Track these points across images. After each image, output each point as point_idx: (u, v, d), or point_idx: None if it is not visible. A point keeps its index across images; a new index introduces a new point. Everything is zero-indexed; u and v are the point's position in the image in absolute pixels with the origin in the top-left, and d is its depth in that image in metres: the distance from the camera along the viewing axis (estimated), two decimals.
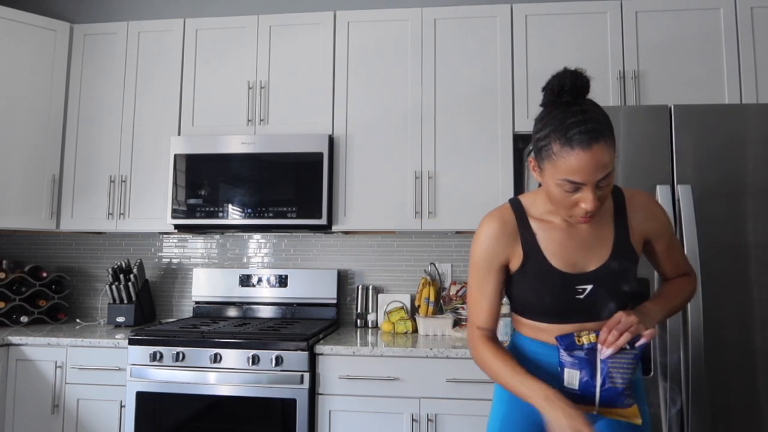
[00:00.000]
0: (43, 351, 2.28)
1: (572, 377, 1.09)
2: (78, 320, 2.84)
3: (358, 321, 2.66)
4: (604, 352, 1.06)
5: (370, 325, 2.64)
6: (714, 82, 2.33)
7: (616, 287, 1.13)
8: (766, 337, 1.72)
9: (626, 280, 1.13)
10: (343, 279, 2.79)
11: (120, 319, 2.61)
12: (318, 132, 2.51)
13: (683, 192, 1.75)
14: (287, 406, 2.05)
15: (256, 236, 2.86)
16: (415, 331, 2.52)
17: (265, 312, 2.72)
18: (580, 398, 1.09)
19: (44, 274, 2.76)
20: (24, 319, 2.65)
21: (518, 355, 1.26)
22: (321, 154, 2.42)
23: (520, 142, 2.50)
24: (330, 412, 2.08)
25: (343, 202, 2.47)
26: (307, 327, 2.35)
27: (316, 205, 2.40)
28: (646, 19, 2.40)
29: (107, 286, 2.64)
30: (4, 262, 2.72)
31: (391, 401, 2.05)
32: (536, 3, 2.50)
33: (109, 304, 2.64)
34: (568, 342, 1.09)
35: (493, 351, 1.18)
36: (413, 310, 2.69)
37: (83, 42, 2.73)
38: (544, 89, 1.08)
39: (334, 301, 2.69)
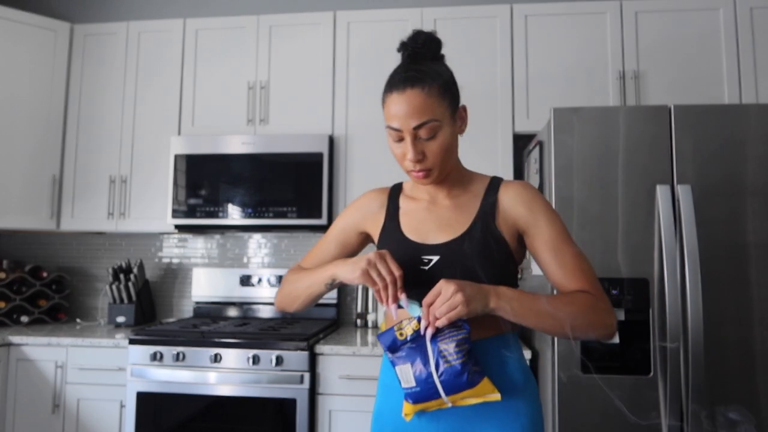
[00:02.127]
0: (44, 351, 2.28)
1: (406, 374, 0.95)
2: (78, 320, 2.85)
3: (358, 321, 2.67)
4: (427, 332, 0.93)
5: (370, 325, 2.64)
6: (714, 82, 2.34)
7: (465, 265, 1.02)
8: (766, 337, 1.72)
9: (482, 262, 1.02)
10: None
11: (120, 319, 2.61)
12: (318, 132, 2.51)
13: (683, 192, 1.75)
14: (287, 406, 2.05)
15: (257, 236, 2.86)
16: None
17: (266, 312, 2.73)
18: (426, 396, 0.95)
19: (45, 274, 2.76)
20: (24, 319, 2.65)
21: (386, 366, 1.15)
22: (321, 155, 2.42)
23: (520, 142, 2.50)
24: (330, 412, 2.08)
25: (343, 202, 2.47)
26: (307, 327, 2.35)
27: (316, 205, 2.40)
28: (646, 19, 2.40)
29: (107, 286, 2.64)
30: (5, 262, 2.72)
31: None
32: (536, 3, 2.50)
33: (109, 304, 2.64)
34: (389, 340, 0.96)
35: (300, 269, 1.20)
36: None
37: (83, 42, 2.73)
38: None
39: (335, 301, 2.69)
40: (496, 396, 0.94)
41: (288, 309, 1.18)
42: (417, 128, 1.00)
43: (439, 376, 0.92)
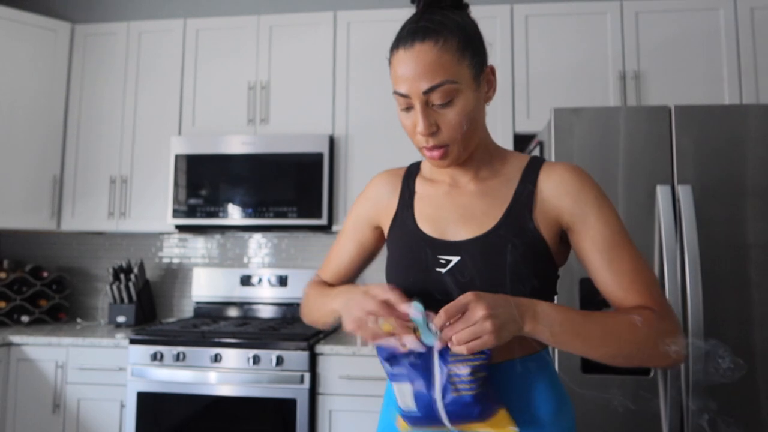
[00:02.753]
0: (44, 351, 2.28)
1: (404, 394, 0.77)
2: (79, 320, 2.85)
3: None
4: (435, 349, 0.74)
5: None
6: (714, 82, 2.34)
7: (493, 271, 0.81)
8: (766, 337, 1.72)
9: (514, 268, 0.81)
10: None
11: (121, 319, 2.61)
12: (318, 132, 2.51)
13: (683, 192, 1.75)
14: (287, 406, 2.05)
15: (257, 236, 2.86)
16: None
17: (266, 312, 2.73)
18: (426, 422, 0.78)
19: (45, 274, 2.76)
20: (25, 318, 2.65)
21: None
22: (321, 155, 2.42)
23: (520, 142, 2.50)
24: (330, 411, 2.08)
25: (343, 202, 2.47)
26: (307, 327, 2.35)
27: (316, 205, 2.40)
28: (646, 19, 2.40)
29: (108, 286, 2.64)
30: (5, 262, 2.72)
31: None
32: (536, 3, 2.50)
33: (109, 303, 2.64)
34: (388, 352, 0.77)
35: (317, 284, 1.03)
36: None
37: (84, 42, 2.74)
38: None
39: None
40: (513, 431, 0.76)
41: (308, 322, 1.04)
42: (428, 92, 0.79)
43: (446, 405, 0.74)
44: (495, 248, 0.83)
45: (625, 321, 0.78)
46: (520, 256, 0.82)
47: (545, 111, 2.39)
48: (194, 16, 2.98)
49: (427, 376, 0.75)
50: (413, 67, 0.79)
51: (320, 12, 2.60)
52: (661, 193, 1.77)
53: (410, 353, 0.75)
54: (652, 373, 1.73)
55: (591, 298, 1.78)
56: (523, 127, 2.40)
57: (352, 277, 1.06)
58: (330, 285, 1.04)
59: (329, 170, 2.45)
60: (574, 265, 1.78)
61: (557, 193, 0.86)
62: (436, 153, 0.83)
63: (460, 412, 0.75)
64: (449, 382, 0.73)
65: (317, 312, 0.97)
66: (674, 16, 2.39)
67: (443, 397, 0.74)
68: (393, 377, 0.79)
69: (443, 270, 0.84)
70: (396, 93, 0.83)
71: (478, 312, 0.70)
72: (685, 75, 2.36)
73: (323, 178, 2.41)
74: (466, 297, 0.72)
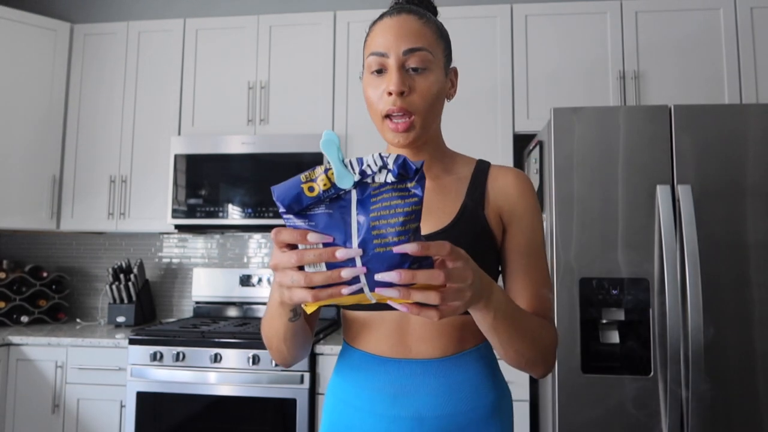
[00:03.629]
0: (44, 351, 2.28)
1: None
2: (78, 320, 2.85)
3: None
4: (353, 196, 0.58)
5: None
6: (714, 82, 2.33)
7: None
8: (766, 337, 1.72)
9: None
10: None
11: (120, 319, 2.61)
12: (318, 132, 2.51)
13: (683, 192, 1.75)
14: (287, 406, 2.05)
15: (257, 236, 2.86)
16: None
17: (264, 312, 2.72)
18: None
19: (44, 274, 2.76)
20: (24, 319, 2.65)
21: (341, 376, 0.91)
22: (321, 155, 2.42)
23: (520, 142, 2.50)
24: None
25: None
26: None
27: None
28: (646, 19, 2.40)
29: (107, 286, 2.64)
30: (5, 262, 2.72)
31: None
32: (536, 3, 2.50)
33: (109, 304, 2.64)
34: (291, 194, 0.57)
35: None
36: None
37: (83, 42, 2.73)
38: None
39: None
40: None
41: (281, 362, 0.88)
42: (408, 53, 0.81)
43: (365, 263, 0.56)
44: (454, 242, 0.75)
45: (541, 324, 0.81)
46: (477, 251, 0.81)
47: (545, 111, 2.39)
48: (194, 16, 2.98)
49: (342, 227, 0.57)
50: (396, 30, 0.82)
51: (320, 12, 2.60)
52: (661, 193, 1.77)
53: (320, 198, 0.57)
54: (651, 373, 1.73)
55: (591, 298, 1.78)
56: (523, 127, 2.40)
57: (314, 317, 0.96)
58: None
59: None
60: (574, 265, 1.78)
61: (503, 194, 0.89)
62: (401, 124, 0.82)
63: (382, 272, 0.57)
64: (370, 233, 0.56)
65: (269, 327, 0.84)
66: (674, 16, 2.39)
67: (363, 253, 0.56)
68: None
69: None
70: (372, 54, 0.83)
71: (467, 276, 0.61)
72: (685, 75, 2.36)
73: None
74: (460, 254, 0.61)
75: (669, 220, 1.75)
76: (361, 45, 2.53)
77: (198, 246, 2.89)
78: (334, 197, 0.58)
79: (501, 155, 2.39)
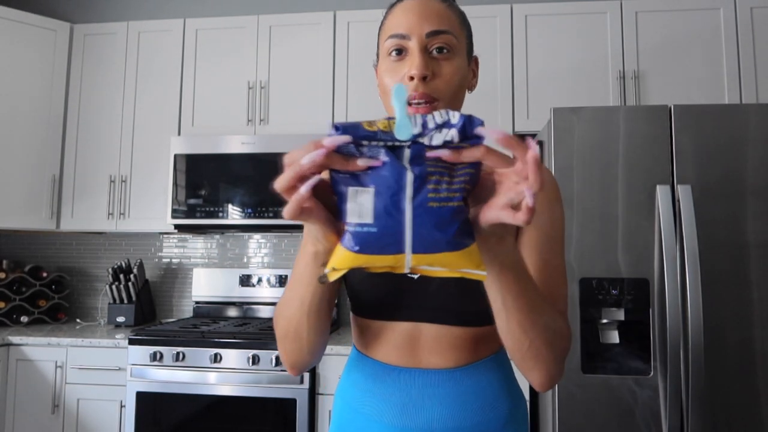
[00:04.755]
0: (44, 351, 2.28)
1: (360, 203, 0.54)
2: (78, 320, 2.85)
3: None
4: (420, 147, 0.53)
5: None
6: (714, 82, 2.33)
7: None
8: (766, 337, 1.72)
9: None
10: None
11: (120, 319, 2.61)
12: (318, 132, 2.51)
13: (683, 192, 1.75)
14: (287, 406, 2.05)
15: (256, 236, 2.86)
16: None
17: (266, 312, 2.72)
18: (380, 245, 0.54)
19: (44, 274, 2.76)
20: (24, 319, 2.65)
21: (351, 382, 0.88)
22: None
23: None
24: (330, 412, 2.08)
25: None
26: None
27: None
28: (646, 19, 2.40)
29: (107, 286, 2.64)
30: (4, 262, 2.72)
31: None
32: (536, 3, 2.50)
33: (109, 304, 2.64)
34: (349, 125, 0.53)
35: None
36: None
37: (83, 42, 2.73)
38: None
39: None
40: (482, 274, 0.55)
41: (296, 357, 0.81)
42: (432, 35, 0.75)
43: (415, 218, 0.53)
44: None
45: (554, 314, 0.73)
46: None
47: (545, 111, 2.39)
48: (194, 15, 2.98)
49: (397, 179, 0.53)
50: (420, 11, 0.75)
51: (320, 12, 2.60)
52: (661, 192, 1.77)
53: (375, 138, 0.53)
54: (651, 373, 1.73)
55: (591, 298, 1.78)
56: (523, 127, 2.40)
57: (334, 295, 0.87)
58: None
59: (329, 170, 2.44)
60: (574, 265, 1.78)
61: None
62: (422, 108, 0.74)
63: (430, 234, 0.53)
64: (424, 189, 0.53)
65: (292, 300, 0.76)
66: (674, 16, 2.39)
67: (413, 207, 0.53)
68: (347, 182, 0.55)
69: (415, 276, 0.79)
70: (392, 36, 0.76)
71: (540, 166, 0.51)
72: (685, 75, 2.36)
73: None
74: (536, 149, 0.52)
75: (669, 220, 1.75)
76: (361, 45, 2.53)
77: (198, 246, 2.89)
78: (390, 146, 0.53)
79: None
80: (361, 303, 0.86)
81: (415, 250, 0.54)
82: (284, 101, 2.57)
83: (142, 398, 2.12)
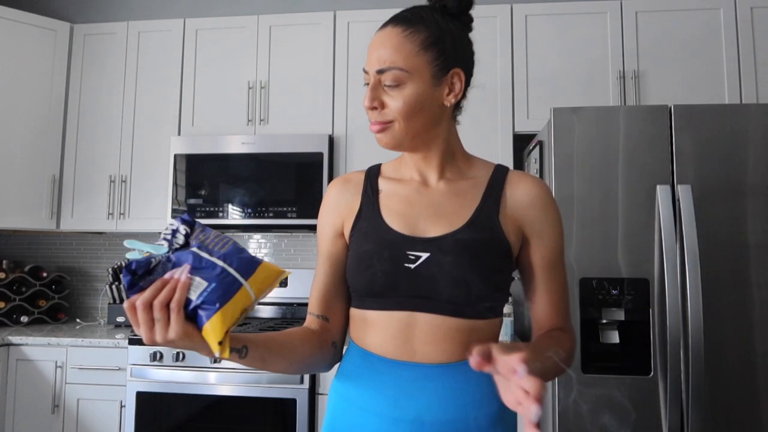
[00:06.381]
0: (43, 351, 2.28)
1: (192, 281, 0.70)
2: (78, 320, 2.85)
3: None
4: (187, 239, 0.73)
5: None
6: (714, 82, 2.33)
7: (462, 267, 0.83)
8: (766, 337, 1.72)
9: (480, 269, 0.83)
10: None
11: (120, 319, 2.61)
12: (318, 132, 2.51)
13: (683, 192, 1.75)
14: (287, 406, 2.05)
15: (256, 236, 2.86)
16: None
17: (266, 312, 2.72)
18: (226, 290, 0.70)
19: (44, 274, 2.76)
20: (24, 319, 2.65)
21: (346, 373, 0.92)
22: (321, 154, 2.42)
23: (520, 142, 2.50)
24: None
25: None
26: None
27: (316, 205, 2.40)
28: (646, 19, 2.40)
29: (107, 286, 2.64)
30: (4, 262, 2.72)
31: None
32: (536, 3, 2.50)
33: (109, 304, 2.64)
34: (137, 263, 0.69)
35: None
36: None
37: (83, 42, 2.73)
38: None
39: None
40: (285, 272, 0.74)
41: (303, 374, 0.93)
42: (380, 73, 0.85)
43: (227, 261, 0.70)
44: (465, 246, 0.85)
45: (560, 341, 0.87)
46: (489, 255, 0.85)
47: (545, 111, 2.39)
48: (194, 16, 2.98)
49: (194, 254, 0.70)
50: (377, 47, 0.86)
51: (320, 12, 2.60)
52: (661, 192, 1.77)
53: (168, 252, 0.71)
54: (651, 373, 1.73)
55: (591, 298, 1.78)
56: (523, 127, 2.40)
57: (340, 297, 0.96)
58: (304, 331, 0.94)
59: (329, 170, 2.45)
60: (574, 265, 1.78)
61: (524, 203, 0.90)
62: (375, 126, 0.87)
63: (241, 260, 0.71)
64: (211, 249, 0.71)
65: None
66: (674, 16, 2.39)
67: (220, 258, 0.70)
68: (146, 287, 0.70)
69: (412, 266, 0.85)
70: (363, 69, 0.90)
71: (535, 380, 0.64)
72: (685, 75, 2.36)
73: (323, 177, 2.41)
74: (514, 363, 0.64)
75: (669, 220, 1.75)
76: (361, 45, 2.54)
77: None
78: (176, 249, 0.71)
79: (501, 155, 2.39)
80: (357, 293, 0.91)
81: (246, 277, 0.70)
82: (284, 101, 2.57)
83: (142, 398, 2.12)
